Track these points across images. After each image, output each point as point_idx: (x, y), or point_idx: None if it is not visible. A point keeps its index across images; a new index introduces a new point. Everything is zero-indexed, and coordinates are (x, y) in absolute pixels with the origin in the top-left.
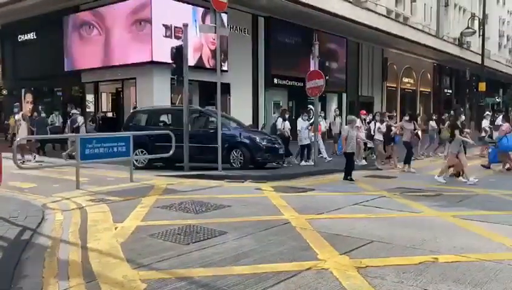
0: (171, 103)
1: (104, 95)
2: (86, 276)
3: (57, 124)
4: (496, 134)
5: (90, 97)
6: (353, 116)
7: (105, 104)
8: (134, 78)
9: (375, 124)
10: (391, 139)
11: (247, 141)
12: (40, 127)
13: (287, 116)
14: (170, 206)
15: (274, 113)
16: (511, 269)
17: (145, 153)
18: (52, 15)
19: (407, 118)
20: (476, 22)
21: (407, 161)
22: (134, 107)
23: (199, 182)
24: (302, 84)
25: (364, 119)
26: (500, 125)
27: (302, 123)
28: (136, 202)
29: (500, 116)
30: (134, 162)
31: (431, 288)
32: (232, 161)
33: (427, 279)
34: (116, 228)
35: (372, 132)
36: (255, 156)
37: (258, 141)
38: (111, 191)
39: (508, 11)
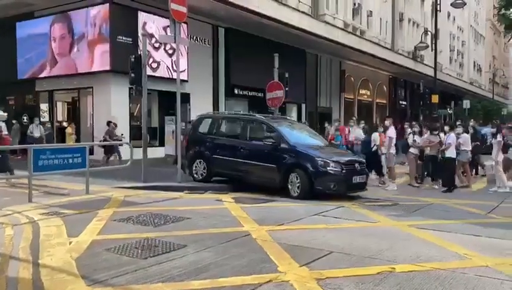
0: (130, 113)
1: (59, 104)
2: None
3: (37, 135)
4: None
5: (44, 106)
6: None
7: (61, 113)
8: (91, 87)
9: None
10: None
11: (304, 162)
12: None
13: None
14: (128, 219)
15: (335, 123)
16: (463, 277)
17: (204, 166)
18: (5, 21)
19: (436, 132)
20: (429, 37)
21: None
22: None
23: (158, 194)
24: (262, 95)
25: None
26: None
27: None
28: (92, 215)
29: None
30: (195, 175)
31: None
32: (290, 187)
33: (385, 289)
34: (70, 243)
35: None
36: (315, 184)
37: (319, 162)
38: (66, 203)
39: (458, 27)
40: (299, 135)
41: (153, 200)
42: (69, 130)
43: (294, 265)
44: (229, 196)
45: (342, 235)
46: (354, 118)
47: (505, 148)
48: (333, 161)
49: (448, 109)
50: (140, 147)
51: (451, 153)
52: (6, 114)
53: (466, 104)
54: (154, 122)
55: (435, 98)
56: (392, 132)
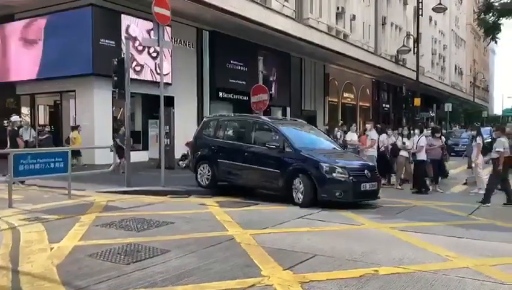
0: (113, 116)
1: (41, 108)
2: None
3: (25, 139)
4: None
5: (25, 110)
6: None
7: (43, 117)
8: (74, 91)
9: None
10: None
11: (308, 168)
12: None
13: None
14: (110, 224)
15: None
16: (445, 278)
17: (208, 170)
18: None
19: (438, 134)
20: (411, 41)
21: (436, 179)
22: (74, 126)
23: (141, 198)
24: (247, 98)
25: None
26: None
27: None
28: (74, 221)
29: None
30: (199, 180)
31: None
32: (294, 194)
33: None
34: (51, 249)
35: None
36: (319, 191)
37: (324, 168)
38: (47, 209)
39: (440, 31)
40: (306, 138)
41: (136, 205)
42: (75, 134)
43: (278, 269)
44: (213, 200)
45: (326, 239)
46: (354, 124)
47: (484, 151)
48: (339, 166)
49: (431, 112)
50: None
51: (422, 156)
52: (20, 119)
53: (448, 107)
54: (138, 126)
55: (417, 101)
56: (374, 134)
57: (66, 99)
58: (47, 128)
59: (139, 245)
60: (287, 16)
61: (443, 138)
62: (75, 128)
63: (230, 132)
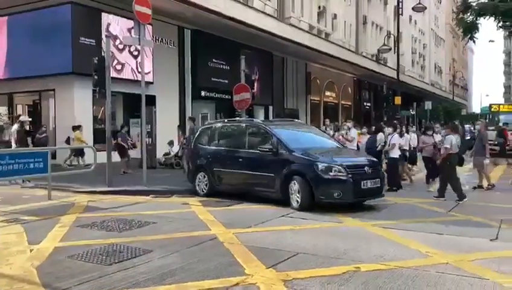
0: (93, 116)
1: (19, 107)
2: None
3: (6, 139)
4: None
5: (3, 109)
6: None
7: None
8: (53, 90)
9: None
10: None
11: (303, 168)
12: None
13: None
14: (92, 224)
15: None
16: (426, 274)
17: (206, 179)
18: None
19: (430, 132)
20: (392, 40)
21: (427, 179)
22: (76, 126)
23: (123, 199)
24: (229, 97)
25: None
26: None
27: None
28: (54, 221)
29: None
30: (198, 190)
31: None
32: (291, 196)
33: (350, 288)
34: (31, 251)
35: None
36: (316, 193)
37: (320, 167)
38: (26, 210)
39: (419, 30)
40: (302, 138)
41: (118, 205)
42: (77, 134)
43: (261, 267)
44: (197, 200)
45: (308, 237)
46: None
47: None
48: (336, 165)
49: (411, 110)
50: (105, 150)
51: (394, 153)
52: (30, 119)
53: (428, 105)
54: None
55: (398, 100)
56: (354, 132)
57: (45, 99)
58: (44, 128)
59: (121, 246)
60: (268, 15)
61: (436, 136)
62: (76, 128)
63: (224, 139)
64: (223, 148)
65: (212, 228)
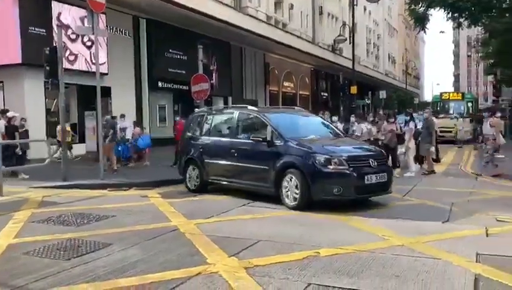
0: (46, 109)
1: None
2: None
3: None
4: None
5: None
6: None
7: None
8: (2, 82)
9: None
10: None
11: (298, 160)
12: None
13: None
14: (48, 220)
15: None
16: (382, 257)
17: (197, 172)
18: None
19: (391, 120)
20: (347, 30)
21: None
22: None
23: (80, 193)
24: (187, 88)
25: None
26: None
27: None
28: (7, 218)
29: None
30: (188, 185)
31: (314, 281)
32: (285, 193)
33: (310, 273)
34: None
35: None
36: (313, 189)
37: (317, 159)
38: None
39: (374, 21)
40: (301, 127)
41: (75, 199)
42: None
43: (223, 256)
44: (156, 192)
45: (269, 224)
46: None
47: (415, 135)
48: (336, 156)
49: (366, 100)
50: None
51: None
52: (18, 114)
53: (382, 94)
54: (74, 118)
55: (354, 89)
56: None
57: None
58: (23, 121)
59: (80, 240)
60: (225, 5)
61: (397, 123)
62: None
63: (215, 128)
64: (214, 138)
65: (173, 220)
